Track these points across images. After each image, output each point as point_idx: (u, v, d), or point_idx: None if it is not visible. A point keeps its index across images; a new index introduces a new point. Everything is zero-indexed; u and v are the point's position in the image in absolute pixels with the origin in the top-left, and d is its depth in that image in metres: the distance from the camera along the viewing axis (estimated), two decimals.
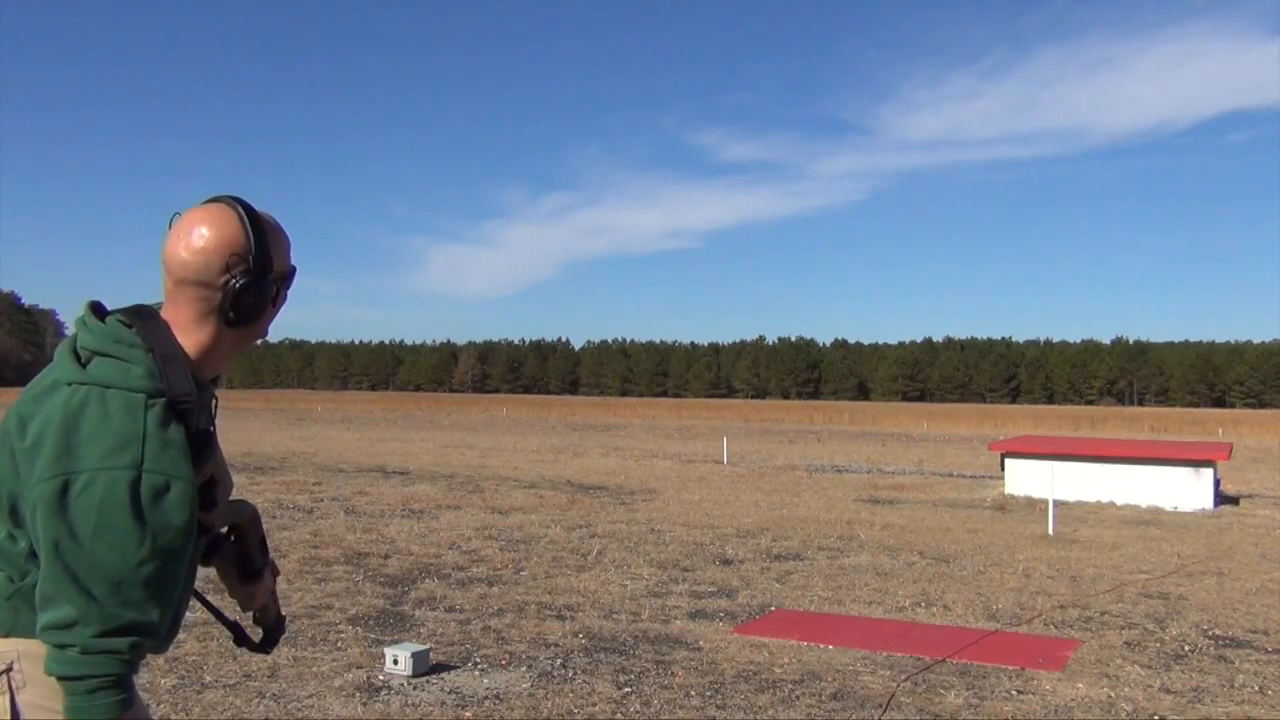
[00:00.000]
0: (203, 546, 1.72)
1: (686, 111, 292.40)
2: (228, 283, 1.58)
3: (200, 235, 1.58)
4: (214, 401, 1.69)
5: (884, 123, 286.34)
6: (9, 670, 1.52)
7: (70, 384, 1.52)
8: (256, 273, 1.60)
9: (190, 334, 1.61)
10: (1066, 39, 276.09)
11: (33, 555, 1.52)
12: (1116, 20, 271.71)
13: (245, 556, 1.86)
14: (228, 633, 1.90)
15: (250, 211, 1.63)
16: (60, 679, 1.46)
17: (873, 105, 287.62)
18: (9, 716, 1.51)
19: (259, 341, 1.75)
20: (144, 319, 1.59)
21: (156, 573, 1.47)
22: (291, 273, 1.71)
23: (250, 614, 1.94)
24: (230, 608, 2.02)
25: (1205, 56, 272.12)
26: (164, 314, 1.62)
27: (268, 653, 1.99)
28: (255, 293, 1.61)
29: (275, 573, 1.94)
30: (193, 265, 1.58)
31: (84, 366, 1.54)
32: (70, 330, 1.63)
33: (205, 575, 1.97)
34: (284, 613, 2.07)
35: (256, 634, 1.94)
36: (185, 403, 1.54)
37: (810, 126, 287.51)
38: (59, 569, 1.44)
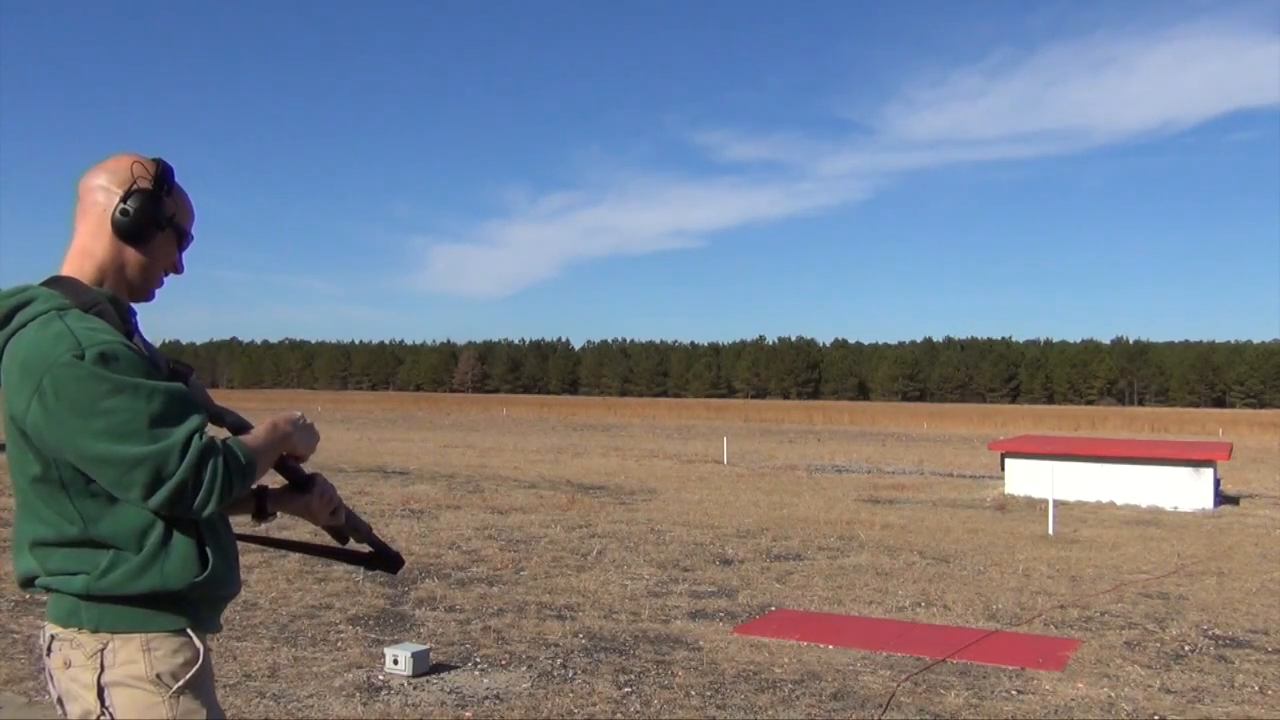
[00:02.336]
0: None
1: (689, 111, 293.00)
2: (129, 187, 1.79)
3: (120, 157, 1.83)
4: (134, 317, 1.83)
5: (887, 122, 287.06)
6: (104, 649, 1.70)
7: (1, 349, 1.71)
8: (154, 190, 1.80)
9: (89, 252, 1.79)
10: (1071, 38, 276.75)
11: (89, 522, 1.67)
12: (1121, 20, 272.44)
13: (280, 462, 1.90)
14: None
15: (169, 168, 1.85)
16: (208, 501, 1.61)
17: (876, 105, 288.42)
18: (95, 688, 1.69)
19: (152, 295, 1.87)
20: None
21: (162, 405, 1.62)
22: (188, 235, 1.89)
23: (348, 539, 2.01)
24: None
25: (1209, 56, 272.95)
26: (72, 242, 1.80)
27: (402, 564, 2.10)
28: (148, 203, 1.79)
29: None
30: (105, 171, 1.81)
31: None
32: None
33: (307, 527, 1.98)
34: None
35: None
36: (94, 305, 1.71)
37: (813, 126, 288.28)
38: (100, 457, 1.59)
